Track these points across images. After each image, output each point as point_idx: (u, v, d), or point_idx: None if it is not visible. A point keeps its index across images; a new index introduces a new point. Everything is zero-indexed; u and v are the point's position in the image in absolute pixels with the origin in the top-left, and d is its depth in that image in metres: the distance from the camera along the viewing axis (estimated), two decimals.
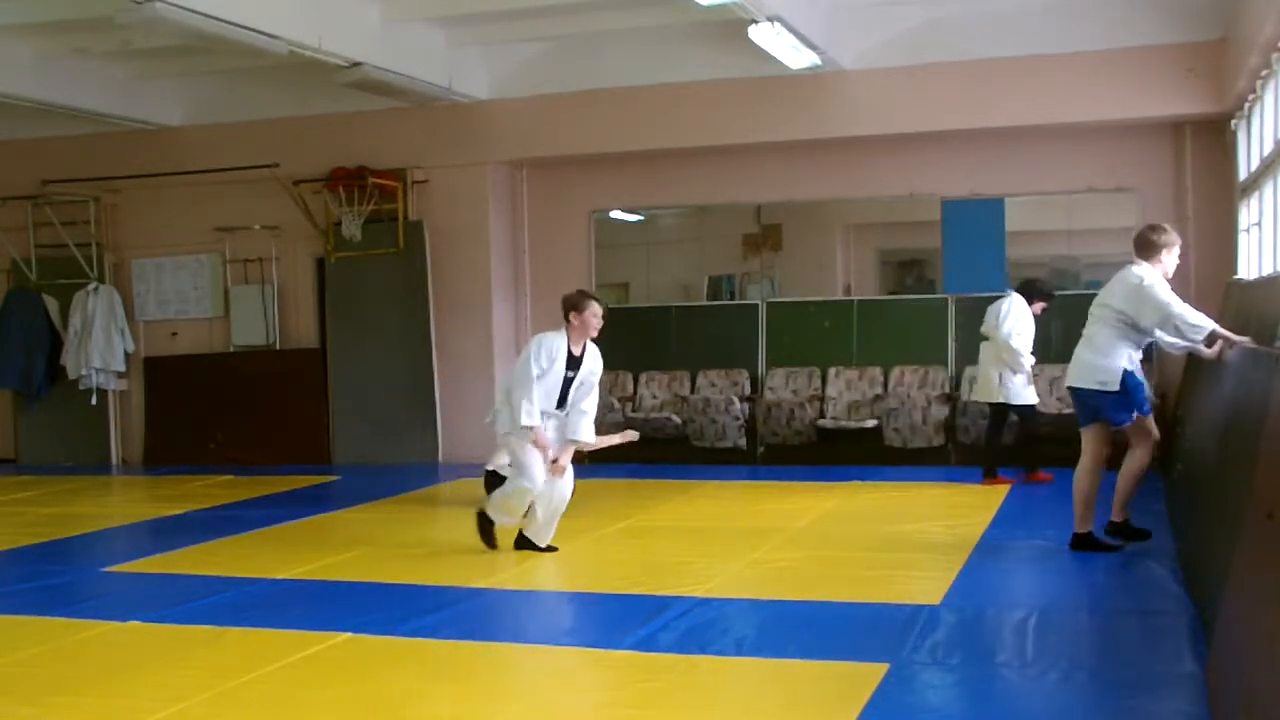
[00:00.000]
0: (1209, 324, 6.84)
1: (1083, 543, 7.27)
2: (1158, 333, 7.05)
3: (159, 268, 13.86)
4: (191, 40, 9.67)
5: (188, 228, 13.58)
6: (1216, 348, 6.98)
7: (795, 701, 4.83)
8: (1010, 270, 11.67)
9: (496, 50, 12.34)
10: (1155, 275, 6.96)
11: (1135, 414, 7.13)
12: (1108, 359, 7.03)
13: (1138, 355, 7.13)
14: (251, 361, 13.55)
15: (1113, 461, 7.33)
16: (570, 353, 7.61)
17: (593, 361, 7.77)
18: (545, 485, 7.58)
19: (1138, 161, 11.35)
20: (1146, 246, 7.06)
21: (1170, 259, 7.09)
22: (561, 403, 7.64)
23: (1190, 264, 11.02)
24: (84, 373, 13.63)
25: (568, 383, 7.61)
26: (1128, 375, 7.05)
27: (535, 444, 7.47)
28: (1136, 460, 7.23)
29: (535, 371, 7.48)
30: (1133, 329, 7.01)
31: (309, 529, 9.26)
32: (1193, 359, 9.59)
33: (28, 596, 7.17)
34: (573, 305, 7.73)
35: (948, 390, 11.53)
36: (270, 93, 12.78)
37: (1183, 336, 6.91)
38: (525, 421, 7.42)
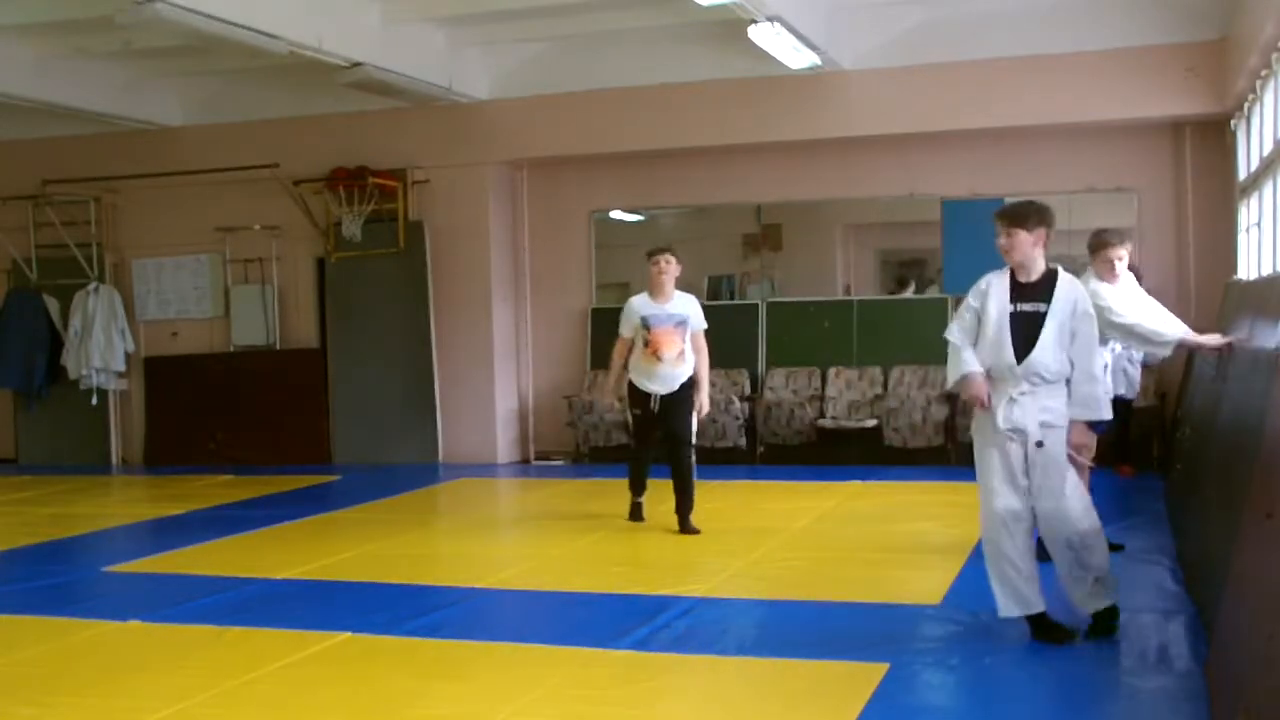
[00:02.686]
0: (1173, 333, 6.69)
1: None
2: (1117, 345, 7.00)
3: (159, 268, 13.86)
4: (191, 40, 9.67)
5: (188, 228, 13.58)
6: (1218, 341, 6.93)
7: (795, 701, 4.83)
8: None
9: (496, 50, 12.34)
10: (1101, 284, 6.84)
11: None
12: None
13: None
14: (251, 361, 13.55)
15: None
16: (1017, 281, 5.54)
17: (1070, 290, 5.45)
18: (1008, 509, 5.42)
19: (1138, 161, 11.35)
20: (1090, 250, 7.05)
21: (1109, 263, 6.91)
22: (1020, 354, 5.38)
23: (1190, 264, 11.05)
24: (84, 373, 13.62)
25: (1016, 321, 5.43)
26: None
27: (974, 398, 5.44)
28: None
29: (961, 320, 5.62)
30: None
31: (309, 529, 9.25)
32: (1192, 358, 9.58)
33: (28, 596, 7.17)
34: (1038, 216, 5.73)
35: (948, 390, 11.51)
36: (270, 93, 12.78)
37: (1147, 346, 6.84)
38: (955, 370, 5.53)
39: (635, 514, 8.78)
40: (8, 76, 11.29)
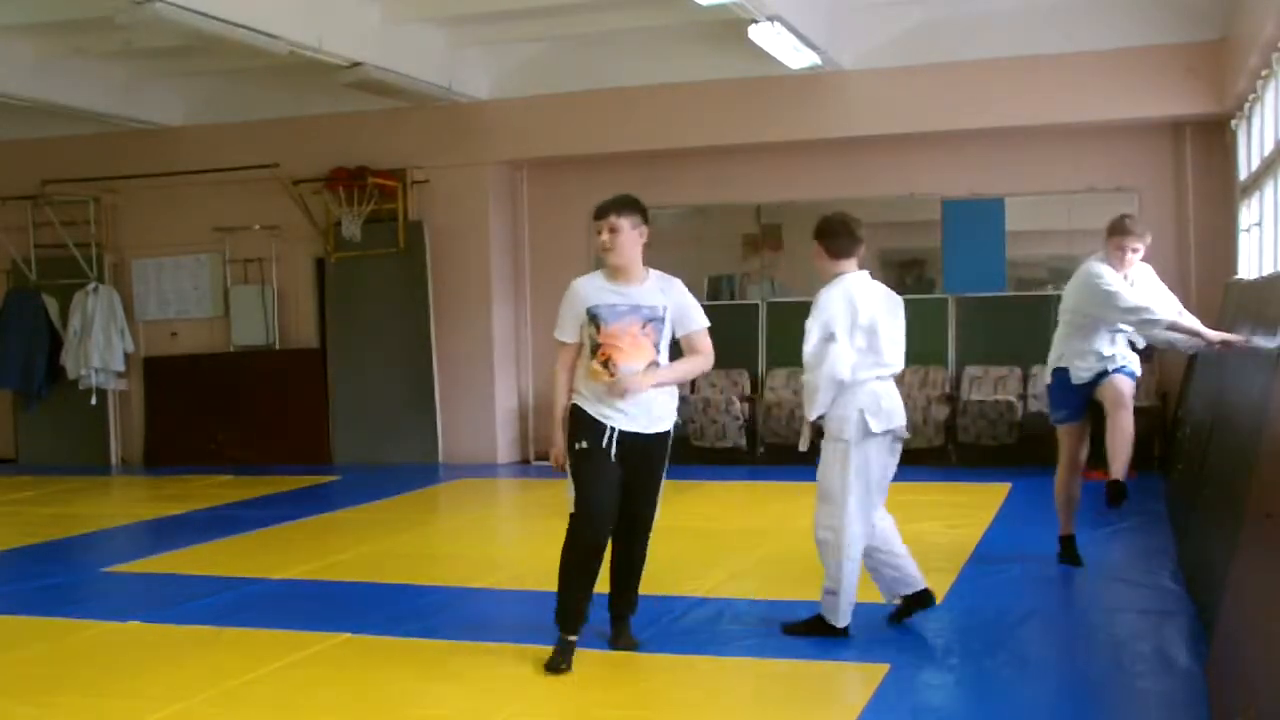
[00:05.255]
0: (1159, 314, 6.52)
1: (1063, 546, 7.10)
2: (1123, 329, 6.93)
3: (159, 268, 13.86)
4: (191, 40, 9.68)
5: (188, 228, 13.58)
6: (1219, 338, 6.72)
7: (795, 701, 4.83)
8: (1010, 270, 11.69)
9: (496, 50, 12.34)
10: (1104, 268, 6.65)
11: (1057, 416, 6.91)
12: (1054, 355, 6.92)
13: (1088, 356, 6.76)
14: (251, 361, 13.55)
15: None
16: None
17: None
18: None
19: (1138, 161, 11.35)
20: (1107, 233, 6.81)
21: (1120, 250, 6.65)
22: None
23: (1190, 264, 11.04)
24: (84, 373, 13.62)
25: None
26: (1056, 374, 6.85)
27: None
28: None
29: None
30: (1084, 326, 6.73)
31: (309, 529, 9.25)
32: (1194, 360, 9.59)
33: (28, 596, 7.17)
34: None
35: (948, 390, 11.53)
36: (270, 93, 12.78)
37: (1146, 329, 6.65)
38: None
39: (559, 661, 5.21)
40: (8, 76, 11.29)
